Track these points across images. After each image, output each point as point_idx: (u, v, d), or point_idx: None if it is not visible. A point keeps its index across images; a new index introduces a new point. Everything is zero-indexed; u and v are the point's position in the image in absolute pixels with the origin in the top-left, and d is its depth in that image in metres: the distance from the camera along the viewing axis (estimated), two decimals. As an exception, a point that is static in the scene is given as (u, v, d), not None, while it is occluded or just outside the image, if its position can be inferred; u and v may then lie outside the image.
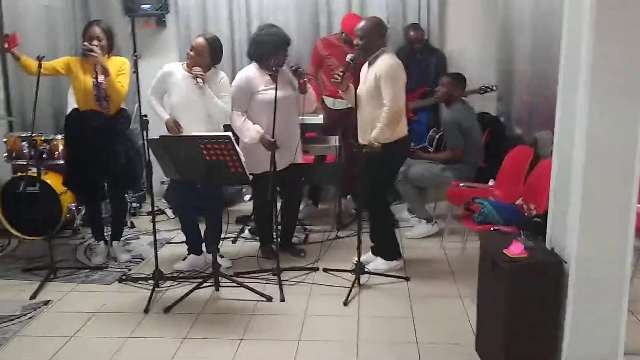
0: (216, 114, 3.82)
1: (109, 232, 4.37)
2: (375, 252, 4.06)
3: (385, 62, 3.66)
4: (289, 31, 5.63)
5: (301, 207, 4.91)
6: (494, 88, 5.13)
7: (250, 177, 3.54)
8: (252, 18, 5.69)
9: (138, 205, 5.45)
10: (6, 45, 3.80)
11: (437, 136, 4.88)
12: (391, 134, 3.70)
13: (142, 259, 4.32)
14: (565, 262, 2.52)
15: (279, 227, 4.15)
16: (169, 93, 3.89)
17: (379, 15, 5.49)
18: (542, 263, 2.55)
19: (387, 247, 4.02)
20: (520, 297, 2.53)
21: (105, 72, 3.86)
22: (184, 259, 4.15)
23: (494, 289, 2.69)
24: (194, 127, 3.74)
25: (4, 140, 4.74)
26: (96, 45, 3.86)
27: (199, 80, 3.70)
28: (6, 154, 4.73)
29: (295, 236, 4.58)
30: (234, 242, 4.69)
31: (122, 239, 4.44)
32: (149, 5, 5.14)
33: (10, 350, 3.09)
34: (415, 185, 4.60)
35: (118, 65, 3.95)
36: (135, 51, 3.54)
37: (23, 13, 5.45)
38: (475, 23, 5.59)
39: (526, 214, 3.49)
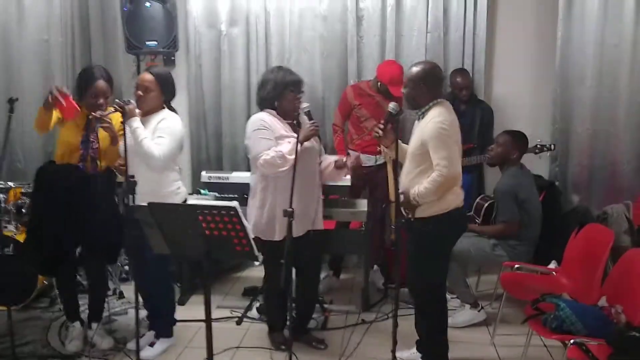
0: (140, 154, 3.18)
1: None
2: (422, 350, 3.26)
3: (434, 120, 2.93)
4: (314, 76, 5.02)
5: (320, 277, 4.13)
6: (552, 148, 4.34)
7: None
8: (272, 60, 5.02)
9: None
10: None
11: (487, 204, 4.10)
12: (442, 204, 2.97)
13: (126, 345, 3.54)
14: None
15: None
16: None
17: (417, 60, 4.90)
18: None
19: (433, 348, 3.20)
20: None
21: (114, 140, 3.23)
22: (151, 345, 3.48)
23: None
24: (138, 173, 3.08)
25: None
26: (102, 103, 3.26)
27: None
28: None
29: (313, 318, 3.80)
30: (238, 323, 3.92)
31: (103, 318, 3.67)
32: (155, 42, 4.51)
33: None
34: (458, 262, 3.79)
35: (118, 122, 3.25)
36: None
37: (19, 46, 4.97)
38: (527, 72, 4.89)
39: (615, 321, 2.71)
